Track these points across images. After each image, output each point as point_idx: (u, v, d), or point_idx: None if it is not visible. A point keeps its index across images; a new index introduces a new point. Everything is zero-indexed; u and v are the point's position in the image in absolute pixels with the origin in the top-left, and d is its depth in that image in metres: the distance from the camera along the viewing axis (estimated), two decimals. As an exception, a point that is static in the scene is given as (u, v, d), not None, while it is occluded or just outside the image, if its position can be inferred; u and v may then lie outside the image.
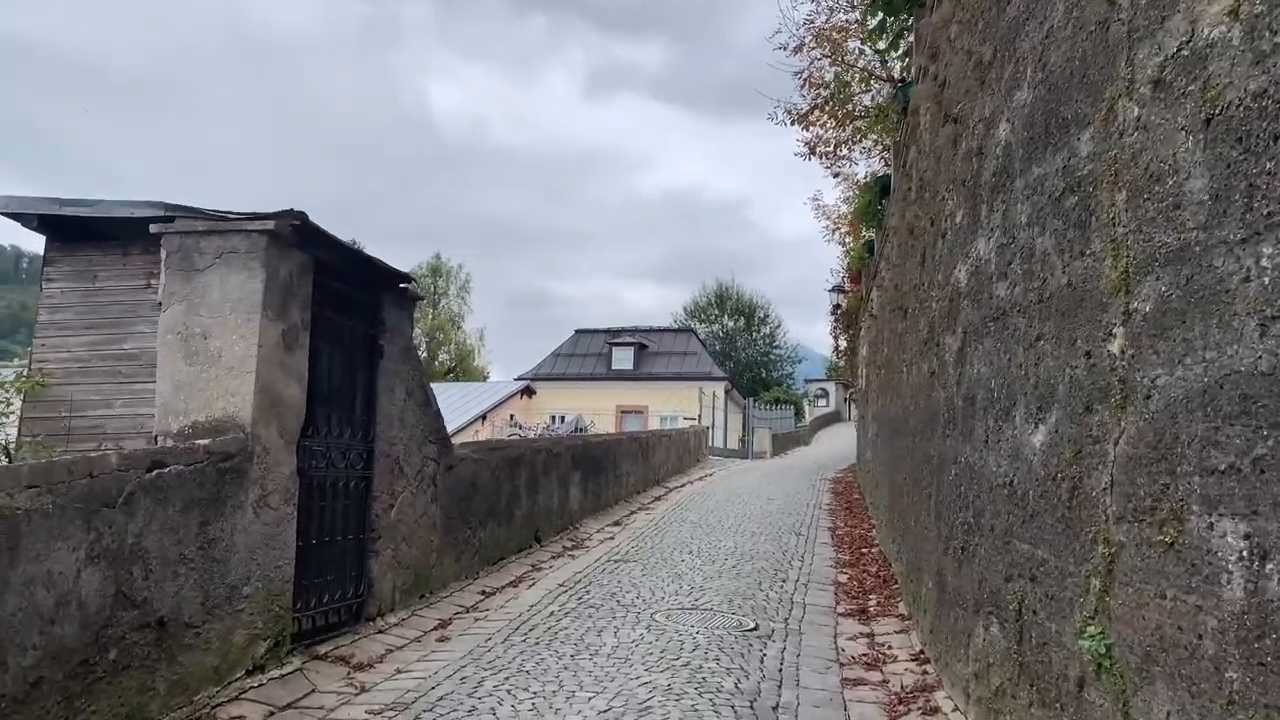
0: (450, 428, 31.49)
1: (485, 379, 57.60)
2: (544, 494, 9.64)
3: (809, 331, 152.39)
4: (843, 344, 28.12)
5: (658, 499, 15.50)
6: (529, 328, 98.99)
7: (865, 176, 20.31)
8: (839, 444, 40.63)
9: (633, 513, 13.13)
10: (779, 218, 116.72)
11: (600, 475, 12.41)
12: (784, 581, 8.04)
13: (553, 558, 8.96)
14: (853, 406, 61.66)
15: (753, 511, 13.38)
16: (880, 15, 11.68)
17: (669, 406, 36.09)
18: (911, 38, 12.10)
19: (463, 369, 63.97)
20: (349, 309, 5.82)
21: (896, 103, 10.64)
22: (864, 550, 9.96)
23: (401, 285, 6.31)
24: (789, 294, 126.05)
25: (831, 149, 16.51)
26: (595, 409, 35.83)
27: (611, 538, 10.49)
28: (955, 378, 5.07)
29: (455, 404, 35.02)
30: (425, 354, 64.57)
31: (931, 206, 6.65)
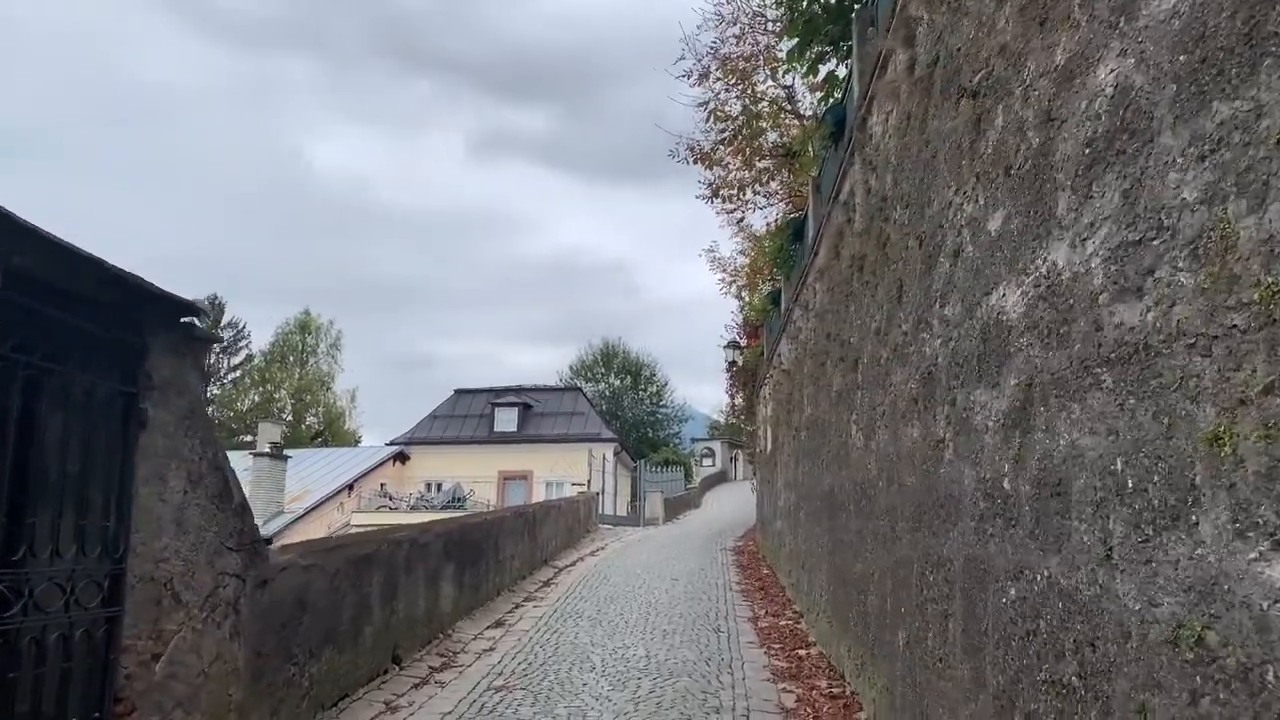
0: (311, 500, 28.47)
1: (357, 444, 53.83)
2: (406, 599, 7.55)
3: (691, 392, 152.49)
4: (738, 402, 26.93)
5: (547, 584, 13.45)
6: (411, 391, 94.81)
7: (769, 225, 19.28)
8: (728, 507, 39.29)
9: (518, 605, 11.06)
10: (663, 282, 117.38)
11: (479, 563, 10.34)
12: (718, 711, 6.23)
13: (414, 686, 6.85)
14: (738, 465, 60.97)
15: (658, 599, 11.53)
16: (798, 38, 10.46)
17: (556, 471, 33.97)
18: (833, 64, 10.95)
19: (332, 433, 59.86)
20: (84, 353, 3.77)
21: (823, 126, 9.36)
22: (801, 652, 8.27)
23: (182, 319, 4.29)
24: (672, 356, 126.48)
25: (735, 191, 15.29)
26: (476, 475, 33.39)
27: (492, 648, 8.43)
28: (1009, 452, 3.46)
29: (318, 474, 31.89)
30: (290, 417, 60.19)
31: (913, 225, 5.16)
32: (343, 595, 6.20)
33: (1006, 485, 3.47)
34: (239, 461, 34.29)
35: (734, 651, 8.24)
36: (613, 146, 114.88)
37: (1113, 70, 2.75)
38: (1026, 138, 3.38)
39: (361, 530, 15.34)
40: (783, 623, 9.98)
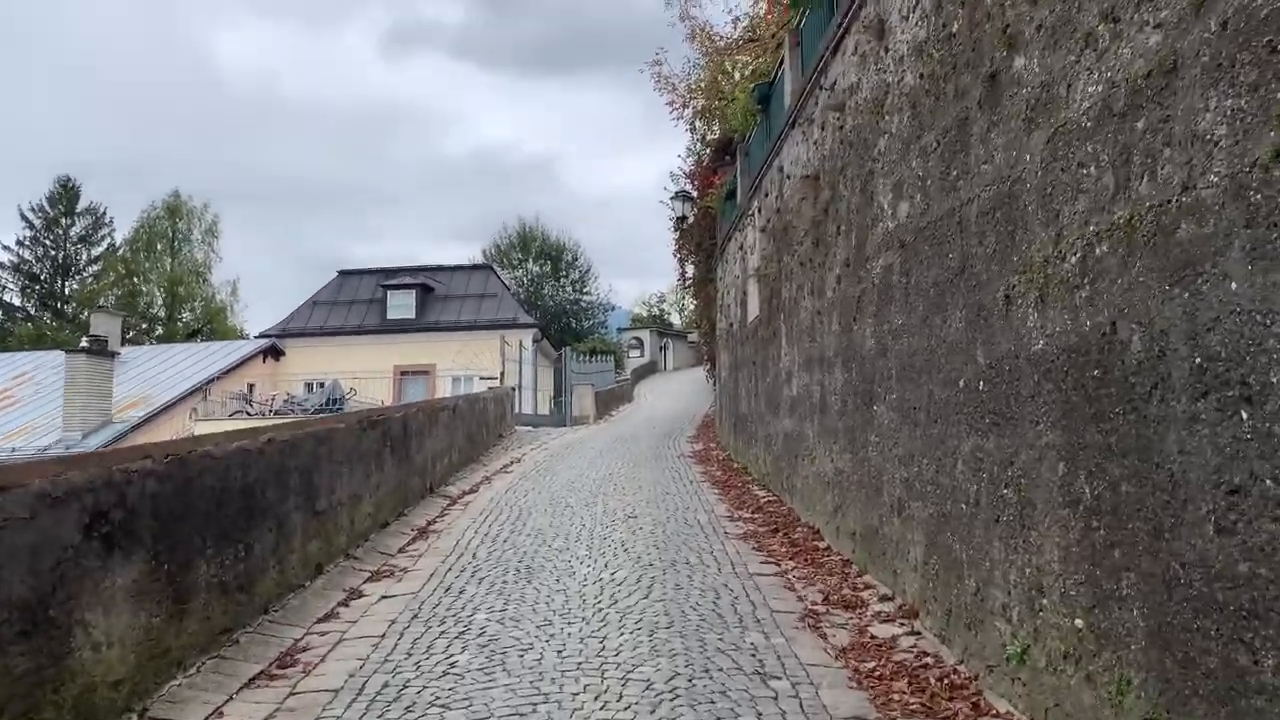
0: (149, 408, 21.98)
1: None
2: None
3: (614, 286, 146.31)
4: (690, 270, 21.57)
5: (422, 533, 8.14)
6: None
7: (735, 21, 13.43)
8: (665, 399, 34.65)
9: (342, 604, 5.72)
10: (587, 179, 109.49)
11: (246, 537, 4.88)
12: None
13: None
14: (669, 355, 56.24)
15: (615, 573, 6.32)
16: None
17: (463, 362, 28.34)
18: None
19: (212, 330, 52.42)
20: None
21: None
22: (953, 707, 3.19)
23: None
24: (596, 253, 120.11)
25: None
26: (366, 370, 27.52)
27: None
28: None
29: (163, 375, 25.54)
30: (163, 314, 52.65)
31: None
32: None
33: None
34: (49, 361, 27.63)
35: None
36: (533, 38, 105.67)
37: None
38: None
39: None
40: (880, 631, 4.89)
